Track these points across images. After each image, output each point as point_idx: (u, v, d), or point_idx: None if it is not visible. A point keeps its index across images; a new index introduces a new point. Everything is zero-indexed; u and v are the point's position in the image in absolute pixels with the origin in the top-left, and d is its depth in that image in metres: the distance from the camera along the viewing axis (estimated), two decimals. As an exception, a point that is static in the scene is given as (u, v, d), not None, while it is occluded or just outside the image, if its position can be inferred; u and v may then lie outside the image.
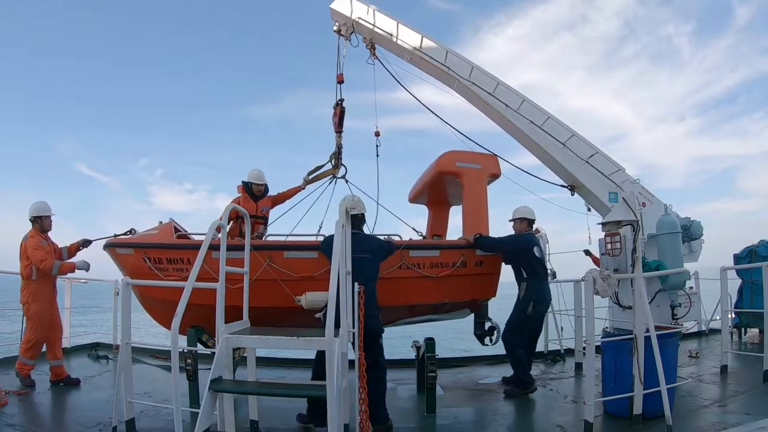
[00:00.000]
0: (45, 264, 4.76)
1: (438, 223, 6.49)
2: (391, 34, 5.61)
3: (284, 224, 5.87)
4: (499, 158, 5.34)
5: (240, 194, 5.34)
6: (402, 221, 5.52)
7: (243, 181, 5.37)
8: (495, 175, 5.30)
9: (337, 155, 5.75)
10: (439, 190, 5.84)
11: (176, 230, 4.99)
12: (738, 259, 7.46)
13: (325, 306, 3.24)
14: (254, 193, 5.30)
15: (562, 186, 5.49)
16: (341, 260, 2.94)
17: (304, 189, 5.69)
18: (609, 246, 4.57)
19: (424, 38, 5.53)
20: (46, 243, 4.97)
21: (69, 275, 5.35)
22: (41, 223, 5.00)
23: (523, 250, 4.90)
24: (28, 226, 4.99)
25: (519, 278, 5.03)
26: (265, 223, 5.48)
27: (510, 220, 5.23)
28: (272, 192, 5.54)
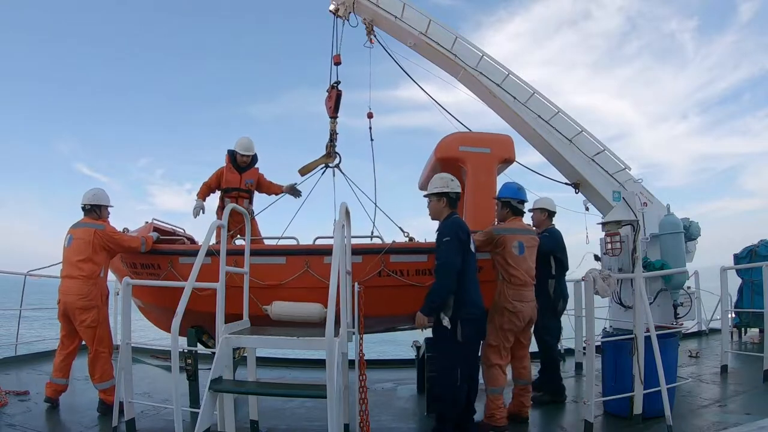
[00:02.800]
0: (134, 242, 4.22)
1: None
2: (396, 16, 5.34)
3: (282, 220, 5.43)
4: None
5: (225, 164, 5.00)
6: (391, 219, 5.00)
7: (229, 150, 5.01)
8: (508, 161, 4.57)
9: (330, 143, 5.34)
10: (449, 173, 5.14)
11: (159, 230, 4.82)
12: (738, 259, 7.47)
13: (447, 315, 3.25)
14: (239, 164, 4.90)
15: (566, 184, 5.40)
16: (341, 260, 2.93)
17: (296, 196, 5.30)
18: (609, 246, 4.57)
19: (431, 23, 5.28)
20: None
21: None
22: (99, 213, 4.29)
23: (559, 245, 4.55)
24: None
25: (548, 276, 4.48)
26: (250, 198, 5.14)
27: (529, 210, 4.65)
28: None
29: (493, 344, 3.75)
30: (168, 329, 4.69)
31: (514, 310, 3.70)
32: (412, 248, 4.38)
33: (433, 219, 3.65)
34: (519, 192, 4.05)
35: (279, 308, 3.68)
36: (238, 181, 4.90)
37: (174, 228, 5.17)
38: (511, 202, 4.00)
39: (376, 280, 4.02)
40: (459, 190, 3.64)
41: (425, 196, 3.69)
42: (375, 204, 5.03)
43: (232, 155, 4.95)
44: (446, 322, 3.30)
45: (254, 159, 5.04)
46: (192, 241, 5.25)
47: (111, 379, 4.05)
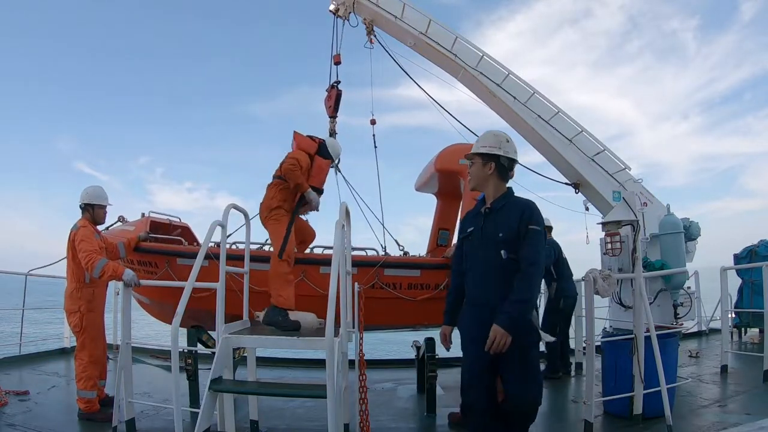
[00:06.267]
0: (89, 258, 3.74)
1: (446, 216, 5.70)
2: (396, 16, 5.38)
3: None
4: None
5: (297, 143, 4.09)
6: (388, 232, 5.11)
7: (320, 143, 4.13)
8: None
9: None
10: (447, 182, 5.16)
11: (156, 224, 4.81)
12: (738, 259, 7.48)
13: None
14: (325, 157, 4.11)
15: (566, 184, 5.40)
16: (341, 260, 2.92)
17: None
18: (609, 246, 4.57)
19: (431, 22, 5.31)
20: (99, 238, 4.10)
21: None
22: (93, 212, 4.12)
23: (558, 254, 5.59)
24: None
25: (549, 280, 5.62)
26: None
27: None
28: None
29: None
30: (170, 321, 4.77)
31: None
32: (406, 263, 4.53)
33: (473, 189, 2.84)
34: None
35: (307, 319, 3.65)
36: (323, 181, 4.09)
37: (170, 219, 5.18)
38: None
39: (369, 291, 4.09)
40: (516, 157, 2.71)
41: (468, 156, 2.77)
42: (382, 224, 5.21)
43: (324, 153, 4.07)
44: (547, 336, 2.59)
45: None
46: (188, 231, 5.26)
47: (89, 391, 3.88)
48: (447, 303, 2.84)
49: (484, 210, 2.66)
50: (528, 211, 2.53)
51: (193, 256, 4.31)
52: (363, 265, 4.24)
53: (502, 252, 2.49)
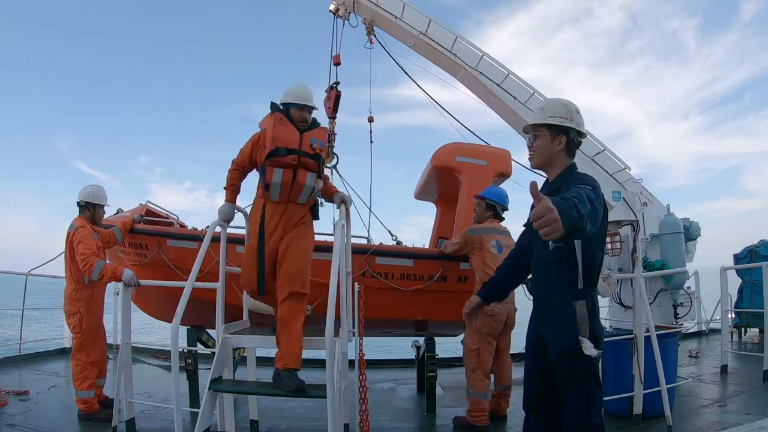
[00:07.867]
0: (86, 262, 3.69)
1: (446, 223, 5.54)
2: (396, 16, 5.40)
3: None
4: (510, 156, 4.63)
5: (270, 120, 3.05)
6: (381, 223, 5.12)
7: (276, 104, 3.16)
8: (504, 175, 4.60)
9: (328, 144, 5.22)
10: (446, 186, 5.00)
11: (152, 213, 4.79)
12: (738, 259, 7.49)
13: None
14: (296, 123, 3.10)
15: None
16: (341, 260, 2.92)
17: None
18: (609, 246, 4.58)
19: (431, 22, 5.34)
20: (97, 237, 4.03)
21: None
22: (93, 212, 4.07)
23: None
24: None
25: None
26: (319, 170, 3.12)
27: None
28: None
29: (473, 348, 3.75)
30: (156, 315, 4.73)
31: (490, 313, 3.63)
32: (398, 252, 4.43)
33: (536, 166, 2.31)
34: (506, 200, 4.07)
35: (257, 301, 3.49)
36: (296, 138, 3.04)
37: (168, 213, 5.15)
38: (497, 206, 4.01)
39: (360, 280, 3.97)
40: (584, 131, 2.26)
41: (529, 127, 2.26)
42: (369, 209, 5.25)
43: (285, 110, 3.11)
44: (588, 347, 1.97)
45: (315, 120, 3.24)
46: (183, 227, 5.25)
47: (86, 391, 3.84)
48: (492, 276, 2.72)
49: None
50: (583, 182, 2.07)
51: (184, 237, 4.32)
52: (354, 252, 4.02)
53: (550, 243, 2.01)
